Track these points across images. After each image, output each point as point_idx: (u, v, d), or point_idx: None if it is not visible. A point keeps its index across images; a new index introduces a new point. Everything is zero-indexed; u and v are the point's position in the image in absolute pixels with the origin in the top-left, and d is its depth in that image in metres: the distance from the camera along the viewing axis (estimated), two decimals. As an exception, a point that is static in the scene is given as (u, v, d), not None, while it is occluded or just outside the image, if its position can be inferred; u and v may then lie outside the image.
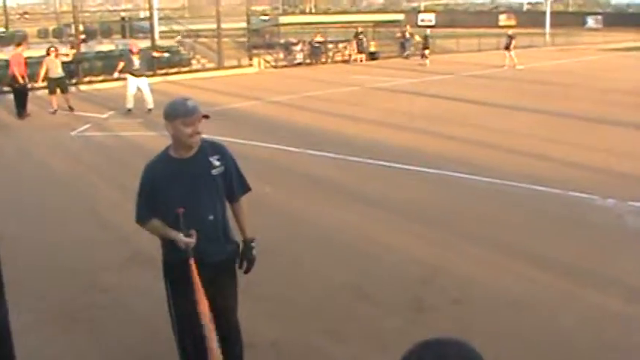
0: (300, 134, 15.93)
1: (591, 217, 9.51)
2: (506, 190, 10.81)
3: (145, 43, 28.77)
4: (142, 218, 4.64)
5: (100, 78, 27.98)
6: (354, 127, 16.84)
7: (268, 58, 35.71)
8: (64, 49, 23.36)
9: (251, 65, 34.04)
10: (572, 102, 20.86)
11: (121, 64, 20.29)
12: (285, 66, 35.55)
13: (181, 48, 33.54)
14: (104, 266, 7.86)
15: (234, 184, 4.71)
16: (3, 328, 3.73)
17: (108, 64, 28.32)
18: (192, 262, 4.40)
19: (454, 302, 6.76)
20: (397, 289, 7.13)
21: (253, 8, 48.47)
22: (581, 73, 31.58)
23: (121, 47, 30.33)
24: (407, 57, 39.80)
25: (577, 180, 11.17)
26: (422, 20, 78.21)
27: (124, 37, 35.14)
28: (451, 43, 45.52)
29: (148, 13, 33.77)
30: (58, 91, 20.13)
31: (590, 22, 76.72)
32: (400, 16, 48.87)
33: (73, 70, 26.65)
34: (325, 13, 77.69)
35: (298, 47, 37.29)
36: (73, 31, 29.65)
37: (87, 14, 43.08)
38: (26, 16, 43.94)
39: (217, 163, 4.55)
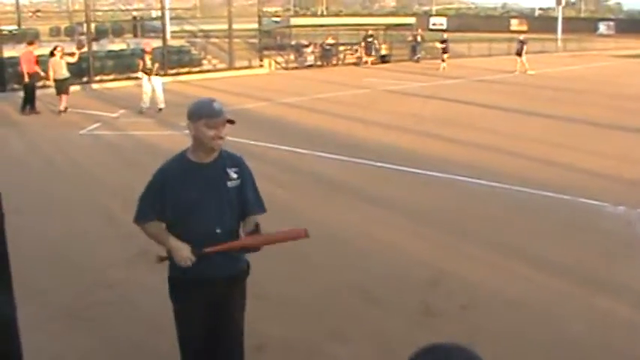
0: (309, 136, 15.93)
1: (601, 223, 9.47)
2: (515, 195, 10.78)
3: (157, 43, 28.81)
4: (143, 217, 4.35)
5: (111, 77, 28.05)
6: (364, 130, 16.83)
7: (279, 59, 35.73)
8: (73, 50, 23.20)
9: (262, 66, 34.06)
10: (583, 108, 20.80)
11: (141, 63, 20.14)
12: (296, 68, 35.56)
13: (192, 48, 33.59)
14: (111, 263, 7.87)
15: (250, 200, 4.42)
16: (11, 325, 3.73)
17: (119, 64, 28.45)
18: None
19: (461, 306, 6.74)
20: (404, 291, 7.11)
21: (265, 9, 48.58)
22: (593, 79, 31.52)
23: (132, 46, 30.44)
24: (418, 60, 39.79)
25: (587, 186, 11.13)
26: (433, 24, 78.18)
27: (135, 36, 35.24)
28: (462, 47, 45.45)
29: (159, 13, 33.78)
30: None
31: (602, 28, 76.57)
32: (412, 20, 48.80)
33: (84, 68, 26.75)
34: (337, 15, 77.72)
35: (309, 49, 37.29)
36: (84, 30, 29.71)
37: (99, 13, 43.17)
38: (38, 14, 43.99)
39: (234, 176, 4.32)
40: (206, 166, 4.27)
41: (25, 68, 19.42)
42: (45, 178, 12.35)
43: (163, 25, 31.64)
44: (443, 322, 6.42)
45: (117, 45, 31.30)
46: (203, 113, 4.18)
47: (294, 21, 43.01)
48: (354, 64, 37.76)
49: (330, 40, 38.33)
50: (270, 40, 37.56)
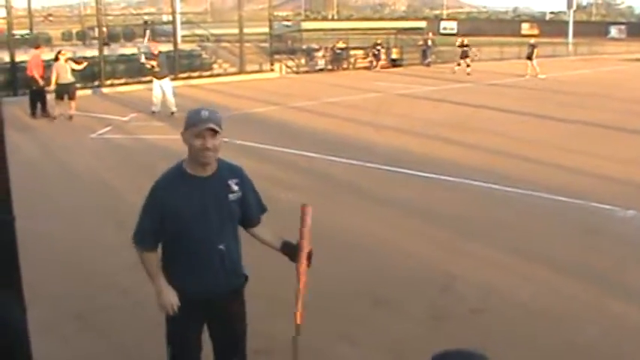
0: (320, 139, 15.93)
1: (612, 228, 9.44)
2: (525, 200, 10.74)
3: (168, 47, 28.90)
4: (142, 242, 4.17)
5: (122, 81, 28.15)
6: (375, 133, 16.82)
7: (290, 63, 35.76)
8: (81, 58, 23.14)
9: (272, 70, 34.08)
10: (594, 112, 20.73)
11: (153, 64, 20.02)
12: (307, 72, 35.58)
13: (203, 52, 33.68)
14: (121, 267, 7.86)
15: (254, 208, 4.33)
16: (21, 328, 3.73)
17: (130, 67, 28.54)
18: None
19: (472, 310, 6.71)
20: (415, 295, 7.09)
21: (276, 14, 48.64)
22: (604, 82, 31.42)
23: (143, 50, 30.54)
24: (428, 64, 39.80)
25: (598, 190, 11.08)
26: (444, 28, 78.20)
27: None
28: (473, 51, 45.39)
29: (170, 17, 33.91)
30: (66, 97, 19.36)
31: (614, 31, 76.30)
32: (422, 24, 48.88)
33: (96, 72, 26.87)
34: (347, 19, 77.87)
35: (320, 53, 37.32)
36: (96, 34, 29.84)
37: (110, 17, 43.39)
38: (50, 18, 44.27)
39: (235, 188, 4.15)
40: (206, 181, 4.06)
41: (36, 73, 19.46)
42: (56, 182, 12.39)
43: (174, 29, 31.76)
44: (454, 325, 6.39)
45: (128, 49, 31.41)
46: (190, 123, 3.97)
47: (305, 25, 43.17)
48: (365, 68, 37.75)
49: (341, 44, 38.35)
50: (281, 44, 37.64)
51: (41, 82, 19.39)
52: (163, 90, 19.71)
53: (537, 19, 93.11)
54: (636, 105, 22.54)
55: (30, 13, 38.19)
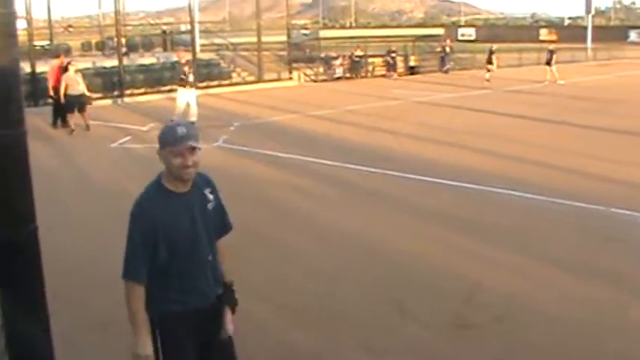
0: (339, 147, 15.93)
1: (635, 234, 9.36)
2: (547, 207, 10.67)
3: (187, 56, 29.02)
4: (137, 274, 3.91)
5: (142, 90, 28.31)
6: (393, 141, 16.80)
7: (308, 71, 35.82)
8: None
9: (291, 79, 34.16)
10: (615, 118, 20.59)
11: (187, 70, 19.99)
12: (325, 80, 35.62)
13: (222, 61, 33.81)
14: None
15: (225, 219, 4.20)
16: (44, 336, 3.75)
17: (149, 77, 28.74)
18: None
19: (496, 319, 6.64)
20: (438, 304, 7.04)
21: (294, 22, 48.78)
22: (624, 88, 31.22)
23: (162, 60, 30.72)
24: (447, 71, 39.73)
25: (620, 197, 10.98)
26: (462, 35, 78.16)
27: (165, 50, 35.59)
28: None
29: (189, 27, 34.09)
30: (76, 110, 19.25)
31: (633, 35, 75.80)
32: (440, 31, 48.88)
33: (115, 82, 27.07)
34: (365, 27, 77.96)
35: (338, 61, 37.35)
36: (115, 44, 30.05)
37: (129, 27, 43.68)
38: (70, 29, 44.66)
39: (211, 197, 4.05)
40: (188, 196, 3.95)
41: (51, 82, 19.62)
42: (77, 191, 12.46)
43: (193, 38, 31.90)
44: (478, 335, 6.33)
45: (147, 59, 31.63)
46: (167, 141, 3.85)
47: (323, 33, 43.29)
48: (383, 75, 37.73)
49: (359, 52, 38.37)
50: (299, 53, 37.72)
51: (62, 92, 19.48)
52: (188, 100, 19.74)
53: (556, 25, 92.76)
54: (658, 110, 22.38)
55: (50, 24, 38.57)
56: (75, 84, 19.19)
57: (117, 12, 30.56)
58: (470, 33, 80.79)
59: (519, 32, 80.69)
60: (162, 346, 3.96)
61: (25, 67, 24.75)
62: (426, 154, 14.90)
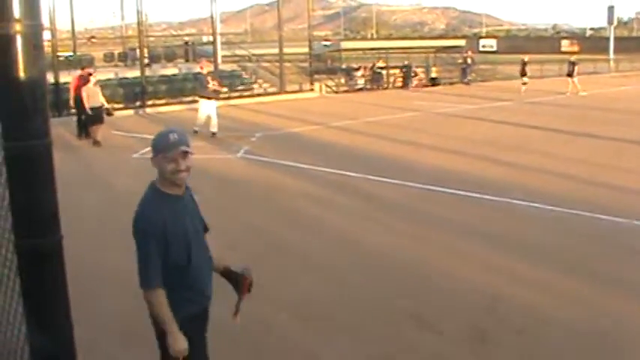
0: (360, 159, 15.95)
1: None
2: (568, 218, 10.61)
3: (208, 67, 29.21)
4: (154, 281, 3.96)
5: (164, 101, 28.50)
6: (415, 153, 16.78)
7: (330, 83, 35.89)
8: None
9: (312, 90, 34.25)
10: (637, 129, 20.46)
11: (212, 82, 20.03)
12: (347, 91, 35.69)
13: (243, 72, 33.97)
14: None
15: (204, 220, 4.30)
16: (68, 345, 3.77)
17: (171, 88, 28.94)
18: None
19: (518, 332, 6.61)
20: (458, 317, 7.01)
21: (315, 33, 48.91)
22: (648, 100, 31.01)
23: (184, 71, 30.92)
24: (468, 83, 39.62)
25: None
26: (483, 46, 77.92)
27: (187, 61, 35.82)
28: (513, 69, 45.17)
29: (211, 38, 34.29)
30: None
31: (656, 47, 75.34)
32: (461, 42, 48.88)
33: (137, 93, 27.28)
34: (387, 38, 78.00)
35: (359, 72, 37.39)
36: (138, 55, 30.29)
37: (152, 38, 44.00)
38: (93, 40, 45.00)
39: (196, 199, 4.24)
40: (183, 197, 4.08)
41: (72, 93, 19.82)
42: (100, 201, 12.54)
43: (215, 49, 32.08)
44: (499, 348, 6.31)
45: (169, 70, 31.84)
46: (160, 147, 3.97)
47: (344, 45, 43.37)
48: (401, 87, 37.62)
49: (381, 64, 38.39)
50: (321, 64, 37.88)
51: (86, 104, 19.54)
52: (209, 111, 19.81)
53: (577, 36, 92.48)
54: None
55: (73, 35, 38.95)
56: (95, 96, 19.21)
57: (139, 23, 30.87)
58: (491, 44, 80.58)
59: (541, 43, 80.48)
60: (190, 344, 4.04)
61: (49, 77, 25.02)
62: (448, 166, 14.84)
